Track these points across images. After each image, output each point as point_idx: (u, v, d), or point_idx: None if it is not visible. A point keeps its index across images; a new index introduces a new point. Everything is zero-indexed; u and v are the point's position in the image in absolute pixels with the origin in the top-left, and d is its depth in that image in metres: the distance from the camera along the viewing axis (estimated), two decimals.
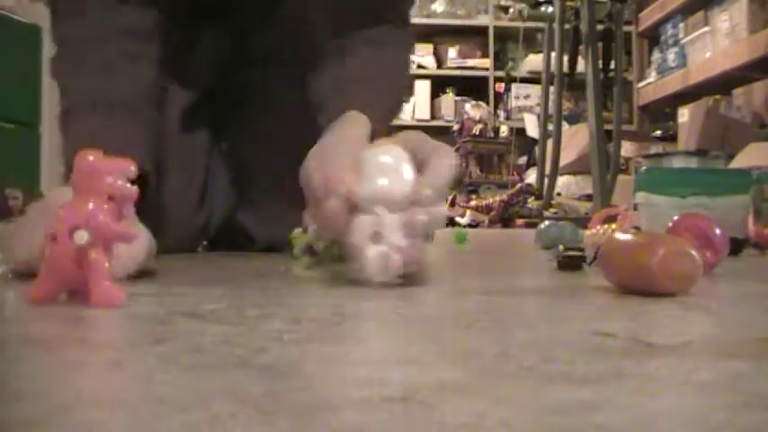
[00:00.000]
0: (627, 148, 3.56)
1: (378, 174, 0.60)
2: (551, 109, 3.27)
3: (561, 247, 0.80)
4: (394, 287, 0.58)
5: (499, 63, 4.55)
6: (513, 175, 3.98)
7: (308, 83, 0.85)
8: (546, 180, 3.20)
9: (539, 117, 3.47)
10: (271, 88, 1.04)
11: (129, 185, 0.47)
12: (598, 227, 1.13)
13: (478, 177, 3.90)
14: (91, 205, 0.46)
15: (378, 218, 0.58)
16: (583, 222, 1.73)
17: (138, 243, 0.57)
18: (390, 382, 0.28)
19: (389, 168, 0.60)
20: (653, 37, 4.33)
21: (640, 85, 4.42)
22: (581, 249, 0.80)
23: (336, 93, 0.80)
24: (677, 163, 2.43)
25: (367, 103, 0.76)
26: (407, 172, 0.60)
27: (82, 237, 0.45)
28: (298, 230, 0.78)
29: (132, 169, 0.47)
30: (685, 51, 3.75)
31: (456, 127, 4.11)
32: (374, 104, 0.77)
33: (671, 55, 3.93)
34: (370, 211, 0.58)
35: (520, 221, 2.96)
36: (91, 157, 0.46)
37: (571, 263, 0.78)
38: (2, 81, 2.46)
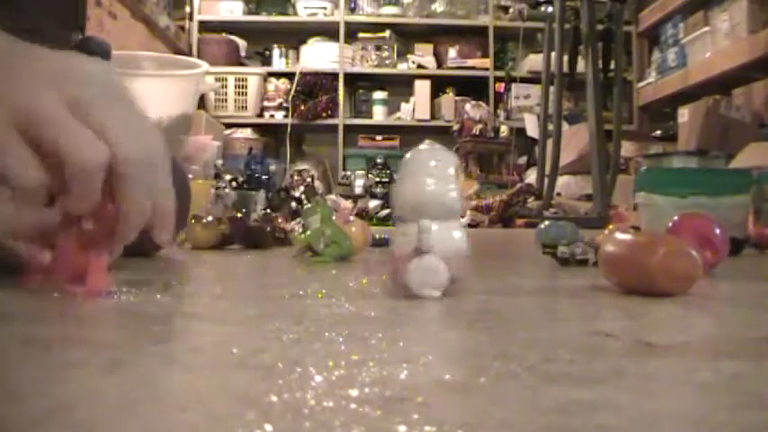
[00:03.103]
0: (627, 148, 3.55)
1: None
2: (551, 109, 3.26)
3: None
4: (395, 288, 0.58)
5: (499, 63, 4.55)
6: (513, 175, 3.97)
7: None
8: (546, 180, 3.20)
9: (539, 117, 3.47)
10: None
11: None
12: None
13: (478, 177, 3.90)
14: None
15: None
16: (583, 222, 1.73)
17: None
18: (390, 382, 0.28)
19: None
20: (653, 37, 4.33)
21: (640, 85, 4.42)
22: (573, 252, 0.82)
23: None
24: (677, 163, 2.43)
25: None
26: None
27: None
28: (298, 230, 0.78)
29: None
30: (685, 51, 3.74)
31: (456, 127, 4.10)
32: None
33: (671, 55, 3.92)
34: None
35: (520, 221, 2.95)
36: None
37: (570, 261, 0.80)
38: None
